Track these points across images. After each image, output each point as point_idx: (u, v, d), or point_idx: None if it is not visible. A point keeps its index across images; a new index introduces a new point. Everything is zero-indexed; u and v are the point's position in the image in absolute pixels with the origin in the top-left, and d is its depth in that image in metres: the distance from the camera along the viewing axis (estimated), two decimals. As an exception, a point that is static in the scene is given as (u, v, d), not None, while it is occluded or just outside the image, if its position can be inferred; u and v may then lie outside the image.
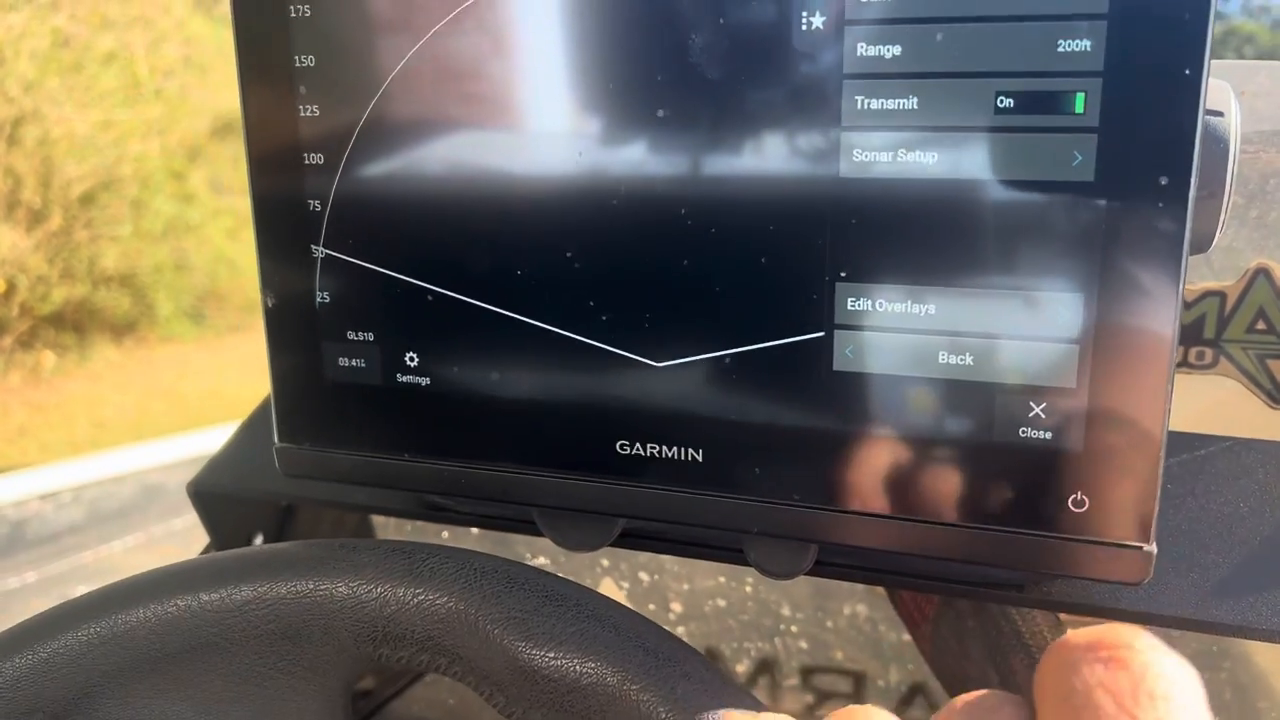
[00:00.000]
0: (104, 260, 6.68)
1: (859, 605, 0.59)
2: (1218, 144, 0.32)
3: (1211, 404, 0.49)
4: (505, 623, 0.32)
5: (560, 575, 0.35)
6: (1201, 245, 0.34)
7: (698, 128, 0.34)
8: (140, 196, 7.01)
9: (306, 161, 0.38)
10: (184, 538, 2.12)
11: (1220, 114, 0.33)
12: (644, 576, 0.62)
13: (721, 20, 0.32)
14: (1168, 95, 0.29)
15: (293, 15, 0.37)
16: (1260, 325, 0.47)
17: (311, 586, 0.34)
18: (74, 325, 6.69)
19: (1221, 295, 0.47)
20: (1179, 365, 0.49)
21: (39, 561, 1.87)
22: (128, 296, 6.82)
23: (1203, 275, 0.47)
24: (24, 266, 6.43)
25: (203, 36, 8.34)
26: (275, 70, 0.37)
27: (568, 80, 0.34)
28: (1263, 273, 0.47)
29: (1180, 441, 0.43)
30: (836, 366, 0.34)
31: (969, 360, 0.33)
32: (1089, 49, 0.29)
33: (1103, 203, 0.30)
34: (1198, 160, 0.29)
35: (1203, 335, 0.48)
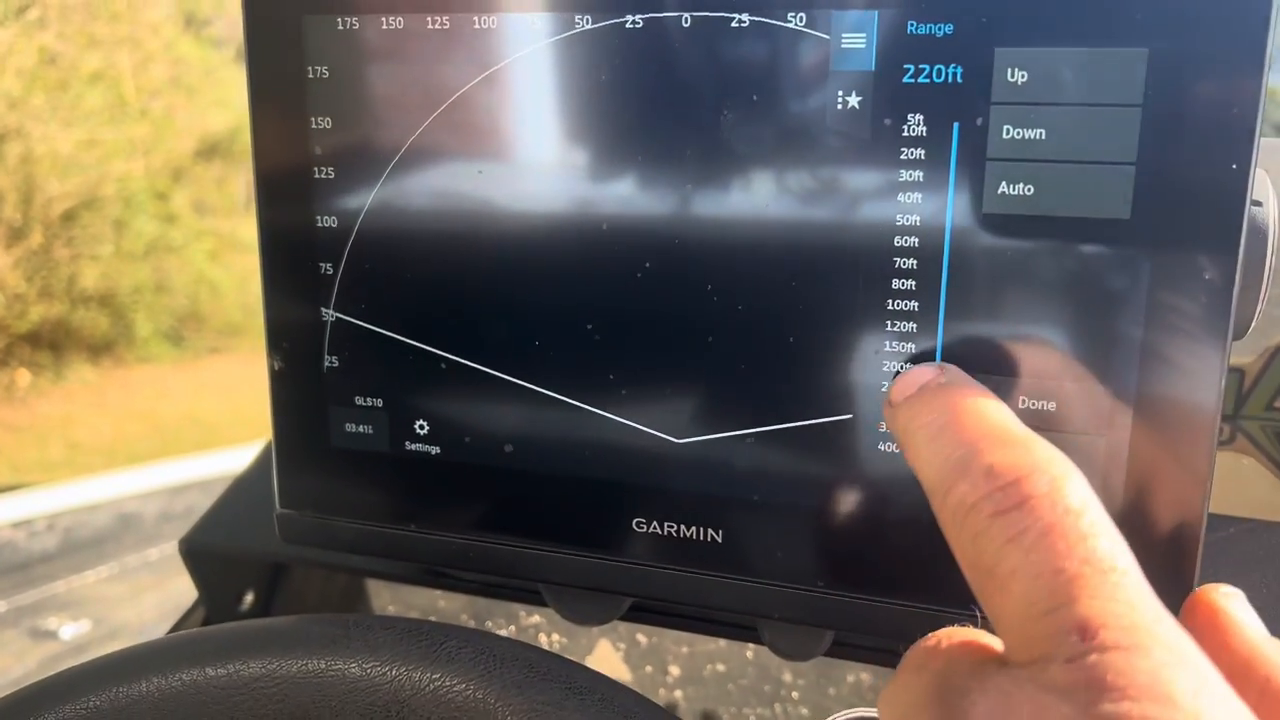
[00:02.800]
0: (83, 279, 6.64)
1: (862, 673, 0.58)
2: (1258, 235, 0.32)
3: (1230, 480, 0.48)
4: (528, 714, 0.31)
5: (583, 664, 0.34)
6: (1239, 334, 0.33)
7: (726, 203, 0.33)
8: (122, 216, 6.98)
9: (319, 224, 0.37)
10: (158, 568, 2.09)
11: (1260, 204, 0.32)
12: (641, 638, 0.60)
13: (755, 97, 0.32)
14: (1214, 190, 0.29)
15: (310, 76, 0.36)
16: (1278, 403, 0.46)
17: (324, 665, 0.33)
18: (51, 344, 6.63)
19: (1240, 372, 0.47)
20: (1195, 441, 0.48)
21: (9, 590, 1.83)
22: (106, 316, 6.77)
23: (1221, 351, 0.47)
24: (2, 284, 6.37)
25: (190, 58, 8.33)
26: (290, 131, 0.36)
27: (594, 151, 0.34)
28: (1281, 350, 0.46)
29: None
30: (879, 447, 0.33)
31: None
32: (1126, 151, 0.29)
33: (1143, 299, 0.29)
34: (1242, 255, 0.29)
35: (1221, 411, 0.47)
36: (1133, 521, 0.31)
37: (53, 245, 6.59)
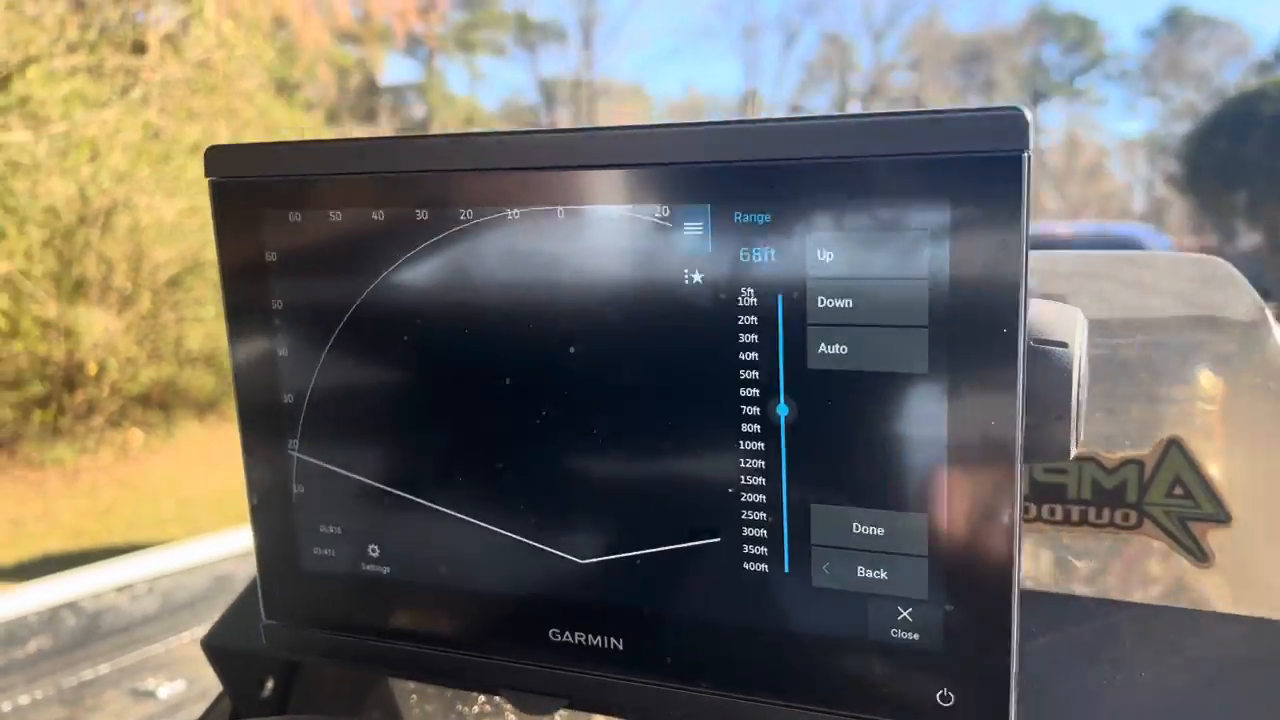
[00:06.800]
0: (189, 341, 6.94)
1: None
2: (1061, 373, 0.36)
3: (1141, 563, 0.52)
4: None
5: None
6: (1061, 455, 0.38)
7: (600, 364, 0.38)
8: (223, 279, 7.26)
9: (284, 401, 0.44)
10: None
11: (1064, 344, 0.37)
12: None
13: (621, 273, 0.38)
14: (991, 348, 0.33)
15: (267, 260, 0.43)
16: (1178, 490, 0.50)
17: None
18: (160, 404, 6.94)
19: (1140, 463, 0.50)
20: (1106, 525, 0.52)
21: (113, 653, 1.97)
22: (211, 375, 7.06)
23: (1123, 445, 0.51)
24: (114, 348, 6.69)
25: (283, 123, 8.68)
26: (255, 313, 0.43)
27: (491, 320, 0.40)
28: (1175, 443, 0.50)
29: (1096, 609, 0.46)
30: (745, 565, 0.38)
31: (854, 569, 0.37)
32: (919, 317, 0.34)
33: (944, 438, 0.34)
34: (1022, 397, 0.34)
35: (1126, 499, 0.51)
36: (950, 639, 0.35)
37: (160, 310, 6.91)
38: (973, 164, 0.33)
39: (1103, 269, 0.52)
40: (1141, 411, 0.50)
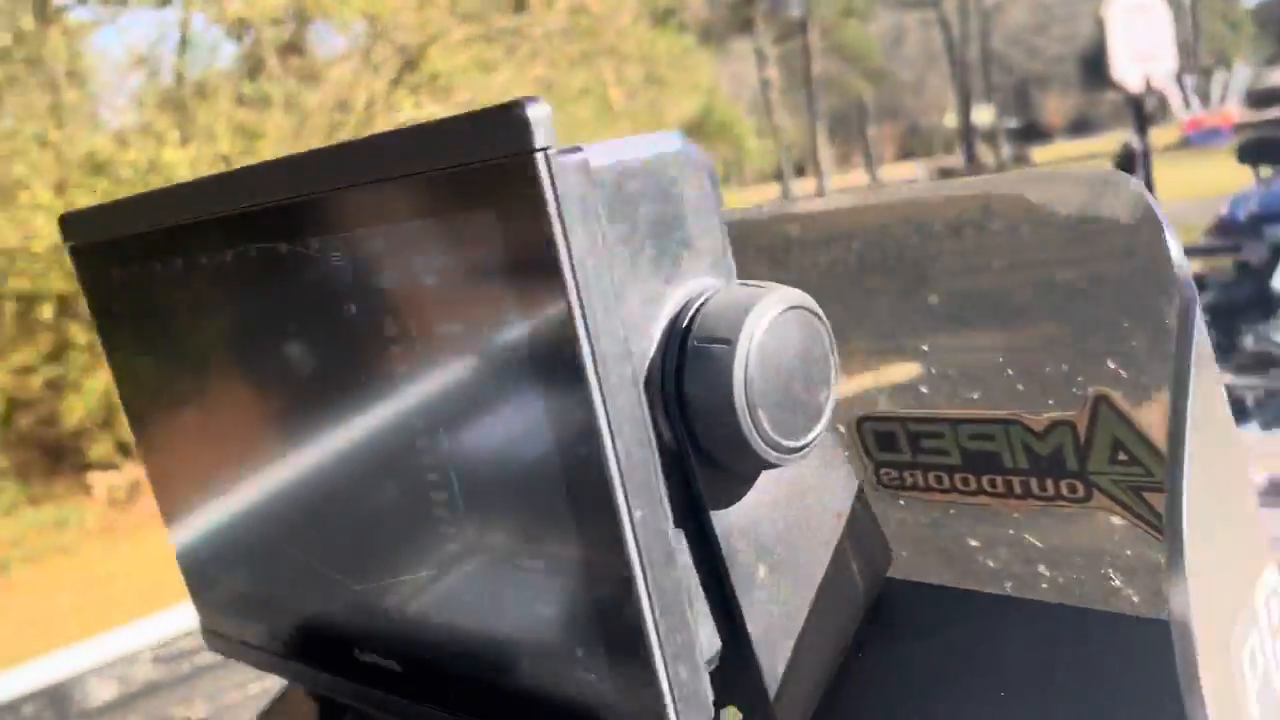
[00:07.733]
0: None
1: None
2: (720, 374, 0.31)
3: (1099, 541, 0.43)
4: None
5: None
6: (742, 458, 0.32)
7: (314, 399, 0.38)
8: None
9: (160, 436, 0.48)
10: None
11: (727, 341, 0.31)
12: None
13: (308, 328, 0.37)
14: (564, 380, 0.29)
15: (114, 312, 0.47)
16: (1122, 457, 0.40)
17: None
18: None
19: (1071, 424, 0.41)
20: (1054, 498, 0.43)
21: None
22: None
23: (1048, 407, 0.42)
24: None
25: (658, 52, 8.93)
26: (121, 357, 0.47)
27: (237, 361, 0.41)
28: (1103, 400, 0.40)
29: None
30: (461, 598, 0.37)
31: (534, 610, 0.34)
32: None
33: (558, 471, 0.31)
34: (605, 419, 0.29)
35: (1067, 467, 0.42)
36: (614, 674, 0.32)
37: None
38: (491, 172, 0.29)
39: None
40: (1064, 369, 0.41)
